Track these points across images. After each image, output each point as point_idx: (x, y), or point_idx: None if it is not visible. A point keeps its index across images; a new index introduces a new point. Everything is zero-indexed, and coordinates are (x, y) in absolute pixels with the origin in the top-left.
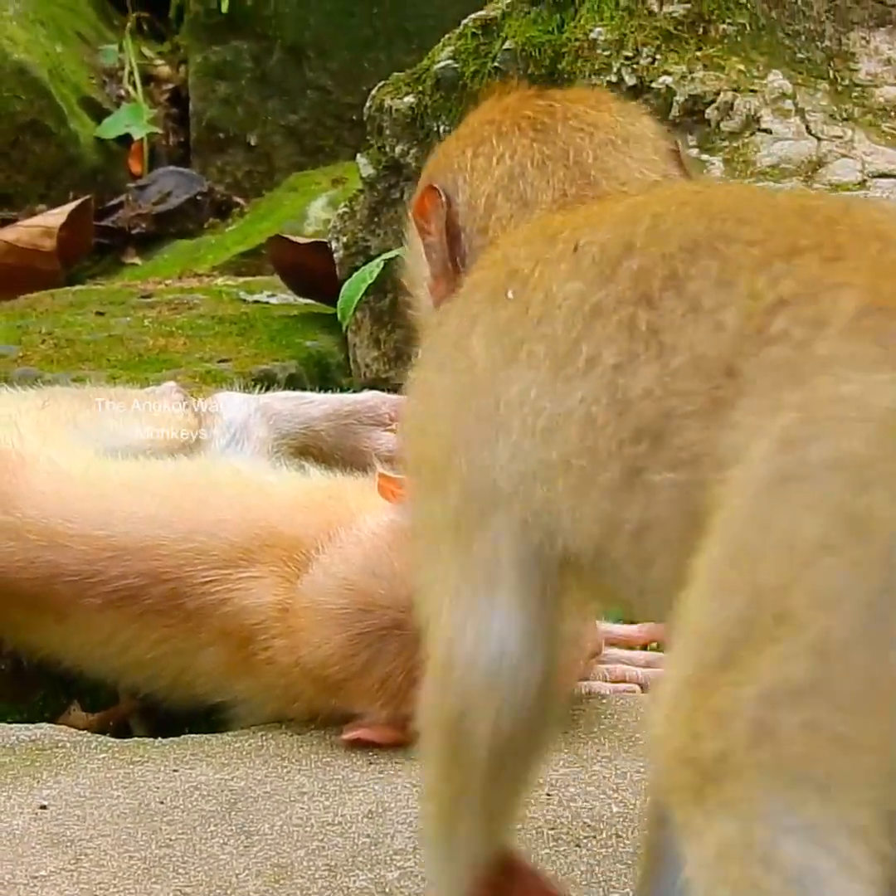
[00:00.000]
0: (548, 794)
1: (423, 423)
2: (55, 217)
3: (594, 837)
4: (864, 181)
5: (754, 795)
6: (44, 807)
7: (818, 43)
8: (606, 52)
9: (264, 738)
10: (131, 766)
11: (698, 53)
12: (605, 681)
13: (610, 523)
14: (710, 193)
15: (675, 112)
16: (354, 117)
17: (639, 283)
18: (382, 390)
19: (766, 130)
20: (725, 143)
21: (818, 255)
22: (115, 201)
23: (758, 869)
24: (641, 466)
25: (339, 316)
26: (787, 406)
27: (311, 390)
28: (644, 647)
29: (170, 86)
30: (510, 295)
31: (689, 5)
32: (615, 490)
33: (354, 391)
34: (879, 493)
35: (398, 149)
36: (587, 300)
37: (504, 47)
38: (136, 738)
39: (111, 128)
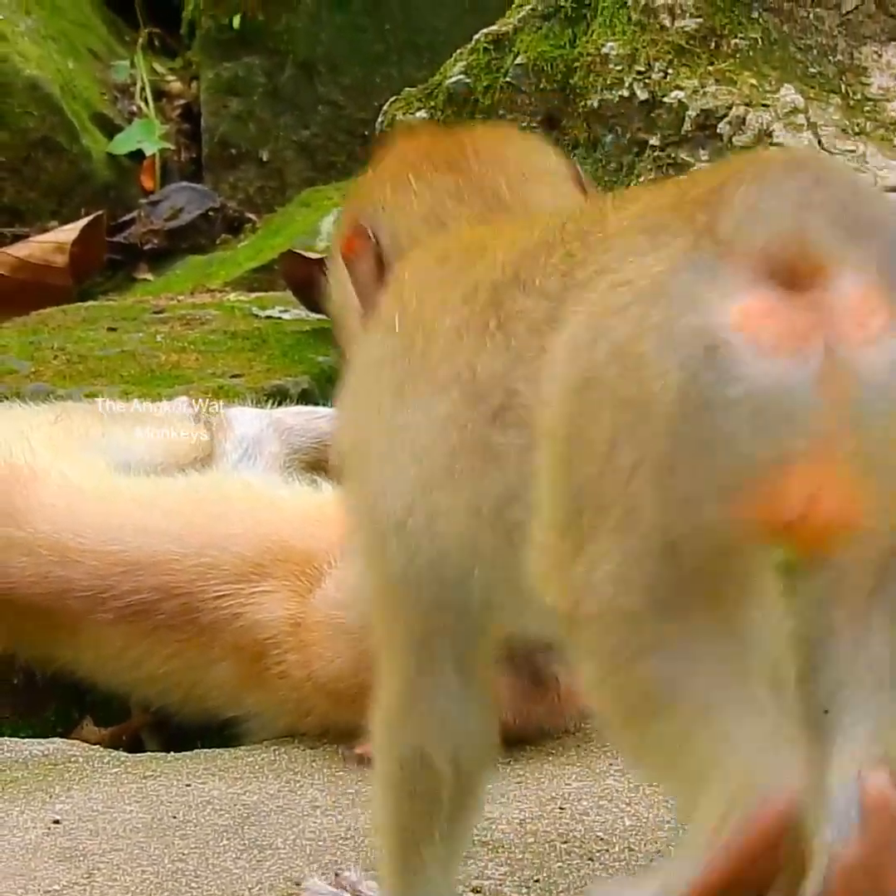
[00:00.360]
0: (560, 808)
1: (351, 468)
2: (67, 233)
3: (607, 851)
4: None
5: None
6: (57, 821)
7: (830, 57)
8: (618, 67)
9: (277, 752)
10: (144, 781)
11: (710, 68)
12: None
13: (476, 508)
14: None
15: (687, 126)
16: (366, 132)
17: (484, 312)
18: None
19: (778, 145)
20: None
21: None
22: (127, 217)
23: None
24: (493, 443)
25: None
26: (575, 311)
27: (324, 405)
28: None
29: (182, 101)
30: (396, 328)
31: (701, 20)
32: (475, 474)
33: None
34: (641, 367)
35: None
36: (448, 331)
37: (516, 62)
38: (148, 753)
39: (123, 144)
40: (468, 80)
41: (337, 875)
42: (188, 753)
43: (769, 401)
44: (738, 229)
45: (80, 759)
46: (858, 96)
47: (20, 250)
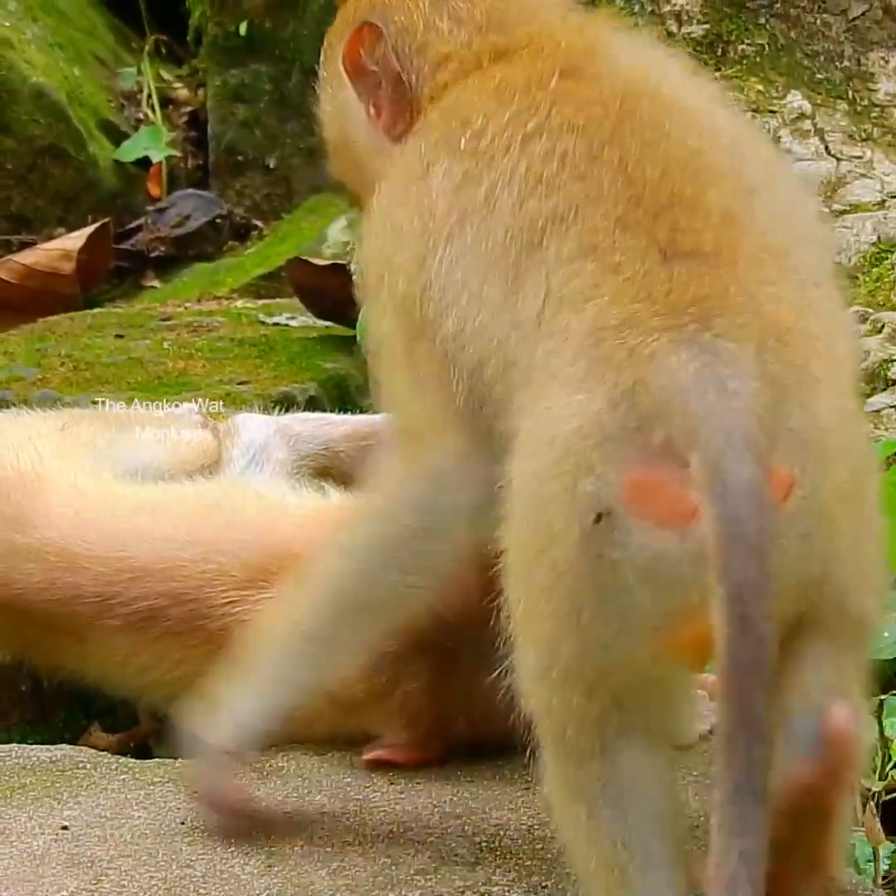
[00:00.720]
0: None
1: (387, 252)
2: (74, 240)
3: None
4: (884, 201)
5: None
6: (65, 827)
7: (837, 63)
8: None
9: (284, 758)
10: (152, 787)
11: (717, 74)
12: None
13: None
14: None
15: None
16: None
17: (554, 213)
18: None
19: (785, 150)
20: None
21: (602, 263)
22: (133, 224)
23: None
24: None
25: (357, 338)
26: (531, 411)
27: (331, 412)
28: None
29: (188, 109)
30: (462, 146)
31: (707, 26)
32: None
33: (373, 412)
34: (553, 508)
35: None
36: (527, 215)
37: None
38: (156, 759)
39: (130, 151)
40: None
41: None
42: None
43: (653, 565)
44: (644, 407)
45: (88, 766)
46: (865, 102)
47: (27, 257)
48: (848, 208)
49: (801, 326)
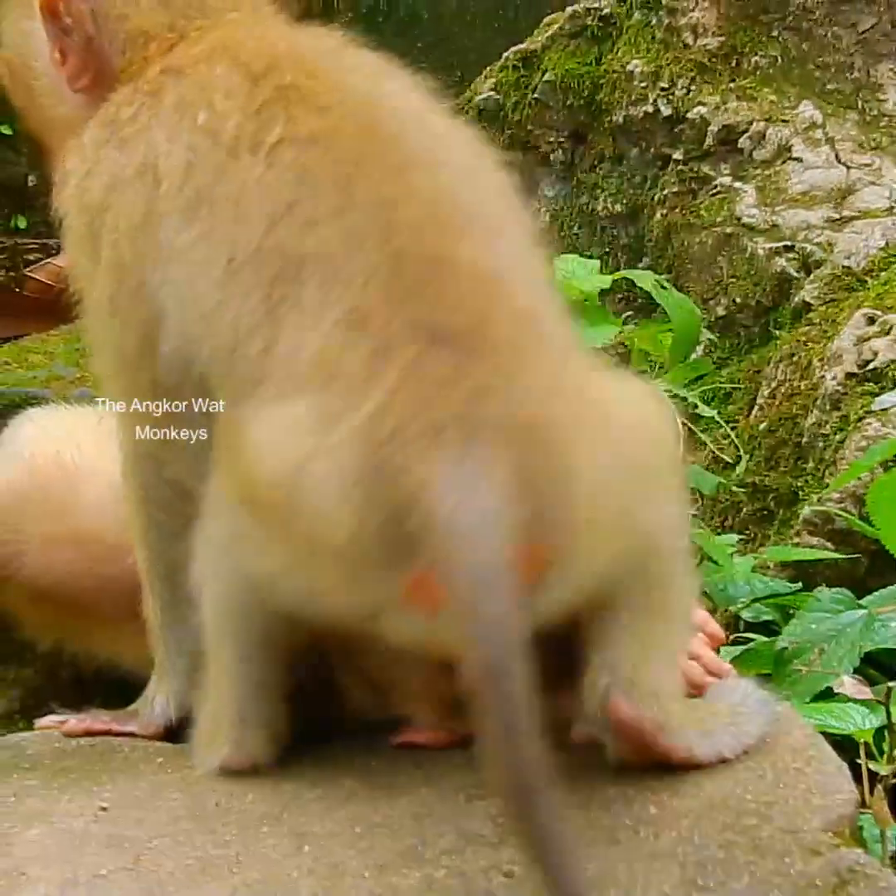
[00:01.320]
0: (588, 797)
1: (100, 200)
2: None
3: (633, 838)
4: (892, 208)
5: None
6: (104, 808)
7: (847, 74)
8: (643, 84)
9: (314, 743)
10: (187, 770)
11: (731, 85)
12: None
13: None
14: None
15: (709, 141)
16: None
17: (313, 252)
18: None
19: (797, 159)
20: (758, 172)
21: (373, 345)
22: None
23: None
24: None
25: None
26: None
27: None
28: (717, 651)
29: None
30: (201, 120)
31: (722, 38)
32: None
33: None
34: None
35: None
36: (277, 240)
37: (544, 79)
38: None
39: None
40: (498, 97)
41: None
42: None
43: (417, 638)
44: (410, 525)
45: (126, 749)
46: (875, 112)
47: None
48: (857, 215)
49: (564, 408)
